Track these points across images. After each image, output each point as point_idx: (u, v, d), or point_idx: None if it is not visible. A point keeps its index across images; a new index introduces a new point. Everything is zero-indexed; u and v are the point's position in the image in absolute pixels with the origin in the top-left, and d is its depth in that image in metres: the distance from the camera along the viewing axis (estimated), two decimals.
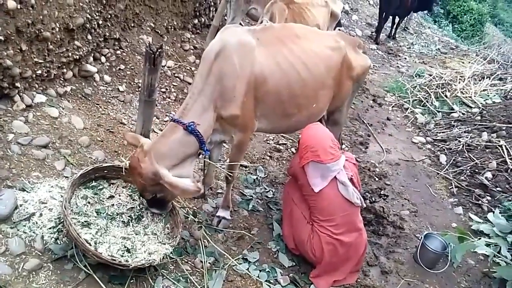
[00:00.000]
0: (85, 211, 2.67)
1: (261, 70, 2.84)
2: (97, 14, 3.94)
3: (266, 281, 2.97)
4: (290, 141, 4.93)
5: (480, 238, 3.55)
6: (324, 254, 3.05)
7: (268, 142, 4.79)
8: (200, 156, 2.84)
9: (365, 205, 3.24)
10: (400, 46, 10.42)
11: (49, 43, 3.35)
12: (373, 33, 10.04)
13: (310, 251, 3.10)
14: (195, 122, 2.63)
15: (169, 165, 2.56)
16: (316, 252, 3.08)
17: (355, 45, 3.50)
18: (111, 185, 2.96)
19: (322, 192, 3.00)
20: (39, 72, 3.35)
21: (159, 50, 3.29)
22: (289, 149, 4.78)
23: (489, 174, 4.83)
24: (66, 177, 2.93)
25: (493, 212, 4.19)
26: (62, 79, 3.71)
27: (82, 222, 2.58)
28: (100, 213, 2.72)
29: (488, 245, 3.71)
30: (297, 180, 3.16)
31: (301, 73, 3.02)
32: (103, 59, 4.30)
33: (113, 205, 2.81)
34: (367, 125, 5.91)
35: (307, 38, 3.19)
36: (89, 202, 2.75)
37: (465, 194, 4.68)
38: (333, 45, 3.27)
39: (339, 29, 5.86)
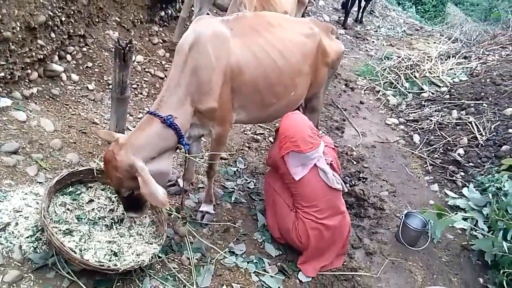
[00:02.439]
0: (65, 218, 2.57)
1: (236, 61, 2.80)
2: (59, 10, 3.77)
3: (254, 272, 2.96)
4: (268, 130, 4.92)
5: (457, 213, 3.67)
6: (310, 240, 3.07)
7: (245, 133, 4.76)
8: (179, 151, 2.78)
9: (346, 190, 3.27)
10: (367, 30, 10.55)
11: (11, 44, 3.18)
12: (341, 18, 10.11)
13: (296, 238, 3.11)
14: (173, 115, 2.56)
15: (145, 157, 2.47)
16: (302, 238, 3.09)
17: (328, 31, 3.50)
18: (89, 188, 2.86)
19: (303, 179, 3.01)
20: (2, 74, 3.18)
21: (128, 45, 3.18)
22: (267, 139, 4.76)
23: (461, 151, 4.98)
24: (40, 182, 2.81)
25: (468, 187, 4.33)
26: (27, 81, 3.55)
27: (64, 230, 2.49)
28: (81, 218, 2.63)
29: (465, 219, 3.85)
30: (277, 170, 3.15)
31: (277, 62, 2.99)
32: (68, 57, 4.13)
33: (93, 209, 2.72)
34: (342, 109, 5.97)
35: (281, 26, 3.16)
36: (68, 209, 2.65)
37: (440, 171, 4.82)
38: (307, 32, 3.25)
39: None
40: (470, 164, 4.76)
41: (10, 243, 2.35)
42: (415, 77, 7.07)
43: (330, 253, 3.19)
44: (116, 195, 2.81)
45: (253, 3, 4.72)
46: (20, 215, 2.50)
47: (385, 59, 8.22)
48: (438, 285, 3.29)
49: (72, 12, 4.03)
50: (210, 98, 2.74)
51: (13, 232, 2.40)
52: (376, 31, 10.72)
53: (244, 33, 2.91)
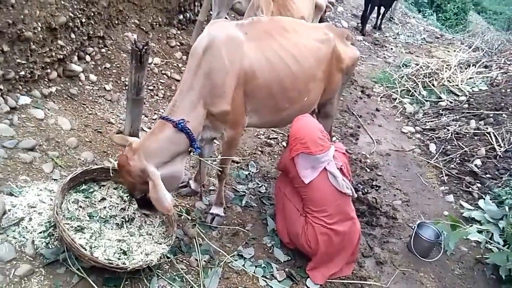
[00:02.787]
0: (78, 215, 2.62)
1: (250, 65, 2.81)
2: (79, 12, 3.85)
3: (262, 276, 2.95)
4: (281, 135, 4.92)
5: (472, 225, 3.57)
6: (319, 245, 3.05)
7: (259, 137, 4.77)
8: (192, 153, 2.80)
9: (356, 195, 3.24)
10: (386, 36, 10.45)
11: (32, 43, 3.27)
12: (359, 24, 10.05)
13: (305, 243, 3.10)
14: (185, 119, 2.58)
15: (158, 162, 2.51)
16: (311, 243, 3.07)
17: (344, 36, 3.48)
18: (102, 187, 2.91)
19: (313, 183, 3.00)
20: (23, 73, 3.27)
21: (145, 47, 3.23)
22: (280, 143, 4.76)
23: (478, 161, 4.88)
24: (54, 179, 2.87)
25: (484, 198, 4.24)
26: (47, 80, 3.63)
27: (76, 227, 2.53)
28: (93, 216, 2.67)
29: (480, 231, 3.75)
30: (287, 174, 3.15)
31: (291, 67, 3.00)
32: (88, 58, 4.22)
33: (105, 207, 2.76)
34: (357, 116, 5.92)
35: (295, 31, 3.16)
36: (80, 206, 2.70)
37: (456, 182, 4.73)
38: (322, 37, 3.25)
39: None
40: (487, 175, 4.66)
41: (23, 237, 2.40)
42: (433, 85, 6.97)
43: (339, 259, 3.16)
44: (128, 196, 2.85)
45: (270, 8, 4.74)
46: (34, 211, 2.55)
47: (403, 66, 8.12)
48: None
49: (92, 14, 4.12)
50: (223, 101, 2.76)
51: (26, 227, 2.45)
52: (395, 38, 10.61)
53: (258, 37, 2.93)
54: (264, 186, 3.94)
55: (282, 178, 3.34)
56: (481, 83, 6.98)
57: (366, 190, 4.24)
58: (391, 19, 11.78)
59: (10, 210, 2.47)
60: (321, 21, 6.28)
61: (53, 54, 3.59)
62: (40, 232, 2.46)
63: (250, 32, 2.90)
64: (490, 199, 4.20)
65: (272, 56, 2.93)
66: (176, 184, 2.74)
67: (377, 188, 4.38)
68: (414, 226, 3.68)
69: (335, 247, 3.09)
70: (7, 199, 2.51)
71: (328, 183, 3.01)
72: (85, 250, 2.38)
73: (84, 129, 3.52)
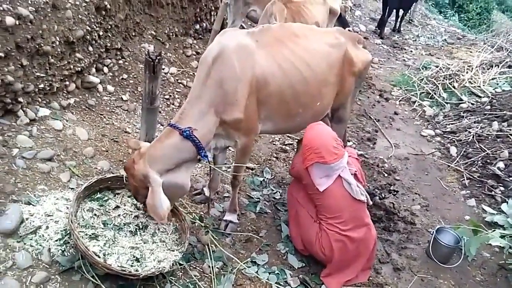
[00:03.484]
0: (92, 223, 2.67)
1: (262, 72, 2.82)
2: (97, 25, 3.97)
3: (276, 283, 2.94)
4: (296, 141, 4.90)
5: (494, 230, 3.46)
6: (333, 252, 3.01)
7: (274, 143, 4.77)
8: (204, 161, 2.82)
9: (371, 202, 3.19)
10: (406, 39, 10.30)
11: (50, 57, 3.38)
12: (377, 28, 9.95)
13: (320, 250, 3.07)
14: (192, 128, 2.60)
15: (161, 169, 2.52)
16: (325, 250, 3.04)
17: (355, 40, 3.46)
18: (116, 195, 2.96)
19: (328, 190, 2.97)
20: (42, 86, 3.38)
21: (158, 57, 3.29)
22: (295, 149, 4.73)
23: (501, 164, 4.73)
24: (71, 188, 2.95)
25: (507, 202, 4.10)
26: (65, 92, 3.75)
27: (90, 235, 2.58)
28: (107, 224, 2.72)
29: (503, 236, 3.61)
30: (301, 180, 3.14)
31: (303, 72, 3.00)
32: (105, 69, 4.34)
33: (119, 215, 2.80)
34: (374, 120, 5.85)
35: (306, 37, 3.16)
36: (95, 214, 2.74)
37: (478, 185, 4.59)
38: (333, 42, 3.24)
39: (348, 29, 5.79)
40: (511, 178, 4.50)
41: (40, 245, 2.47)
42: (454, 87, 6.80)
43: (355, 266, 3.12)
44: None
45: (283, 15, 4.77)
46: (51, 219, 2.63)
47: (422, 68, 7.98)
48: None
49: (109, 27, 4.24)
50: (235, 109, 2.78)
51: (43, 235, 2.52)
52: (415, 40, 10.45)
53: (269, 44, 2.94)
54: (279, 192, 3.93)
55: (295, 184, 3.32)
56: (504, 83, 6.77)
57: (383, 195, 4.17)
58: (410, 21, 11.63)
59: (28, 218, 2.55)
60: (343, 25, 6.24)
61: (71, 66, 3.71)
62: (56, 240, 2.53)
63: (261, 39, 2.92)
64: None
65: (283, 63, 2.94)
66: (180, 193, 2.74)
67: (395, 193, 4.30)
68: (433, 231, 3.58)
69: (350, 254, 3.05)
70: (25, 208, 2.60)
71: (343, 190, 2.99)
72: (99, 257, 2.42)
73: (101, 138, 3.61)
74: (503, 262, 3.55)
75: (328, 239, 3.02)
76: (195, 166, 2.85)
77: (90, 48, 3.98)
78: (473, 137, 5.35)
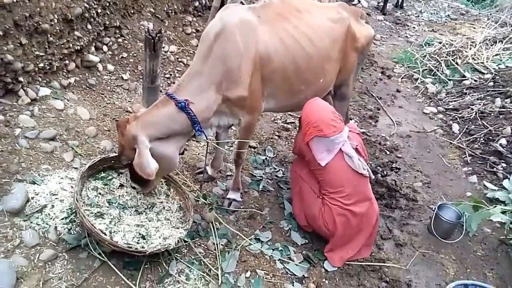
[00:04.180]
0: (97, 202, 2.68)
1: (265, 48, 2.79)
2: (95, 2, 3.91)
3: (279, 259, 2.98)
4: (298, 119, 4.88)
5: (495, 206, 3.49)
6: (336, 227, 3.04)
7: (276, 122, 4.76)
8: (200, 137, 2.79)
9: (373, 176, 3.20)
10: (408, 15, 10.13)
11: (49, 35, 3.34)
12: (380, 4, 9.78)
13: (323, 225, 3.09)
14: (189, 100, 2.60)
15: (152, 135, 2.54)
16: (328, 225, 3.06)
17: (358, 15, 3.40)
18: (120, 174, 2.96)
19: (329, 165, 2.98)
20: (41, 65, 3.35)
21: (158, 35, 3.26)
22: (297, 128, 4.72)
23: (503, 141, 4.73)
24: (75, 168, 2.95)
25: (509, 178, 4.12)
26: (65, 71, 3.71)
27: (95, 213, 2.60)
28: (112, 203, 2.74)
29: (504, 212, 3.64)
30: (303, 157, 3.14)
31: (306, 48, 2.96)
32: (105, 48, 4.29)
33: (123, 194, 2.82)
34: (376, 98, 5.81)
35: (308, 12, 3.11)
36: (100, 193, 2.76)
37: (479, 162, 4.60)
38: (335, 16, 3.19)
39: (353, 4, 5.69)
40: None
41: (46, 224, 2.49)
42: (456, 63, 6.74)
43: (357, 241, 3.15)
44: None
45: None
46: (56, 198, 2.64)
47: (425, 45, 7.88)
48: (471, 279, 3.17)
49: (107, 4, 4.17)
50: (239, 87, 2.75)
51: (49, 214, 2.54)
52: (418, 16, 10.28)
53: (271, 20, 2.90)
54: (281, 170, 3.95)
55: (298, 161, 3.33)
56: (507, 59, 6.70)
57: (385, 173, 4.19)
58: None
59: (33, 198, 2.57)
60: None
61: (71, 45, 3.66)
62: (62, 219, 2.55)
63: (263, 15, 2.88)
64: None
65: (286, 38, 2.90)
66: (166, 164, 2.68)
67: (397, 170, 4.32)
68: (435, 208, 3.61)
69: (352, 229, 3.08)
70: (30, 188, 2.61)
71: (344, 164, 2.99)
72: (105, 235, 2.45)
73: (102, 118, 3.59)
74: (504, 237, 3.59)
75: (331, 213, 3.04)
76: (186, 141, 2.83)
77: (89, 26, 3.92)
78: (475, 114, 5.33)
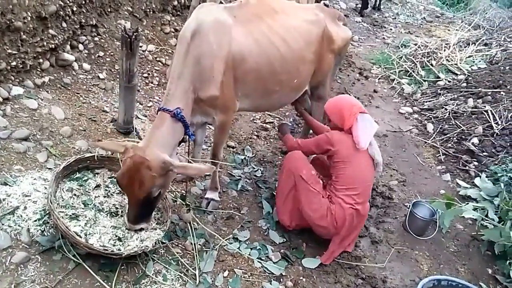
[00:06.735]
0: (72, 203, 2.65)
1: (239, 49, 2.80)
2: (70, 0, 3.83)
3: (257, 258, 2.99)
4: (277, 119, 4.92)
5: (467, 203, 3.60)
6: (345, 225, 3.03)
7: (254, 121, 4.77)
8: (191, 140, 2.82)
9: (381, 169, 3.26)
10: (385, 17, 10.32)
11: (22, 33, 3.26)
12: (358, 6, 9.92)
13: (331, 224, 3.02)
14: (180, 108, 2.60)
15: (168, 153, 2.54)
16: (338, 223, 3.02)
17: (335, 17, 3.45)
18: (96, 175, 2.93)
19: (356, 159, 2.99)
20: (14, 63, 3.27)
21: (135, 34, 3.23)
22: (276, 128, 4.75)
23: (475, 140, 4.87)
24: (49, 168, 2.90)
25: (480, 176, 4.24)
26: (39, 70, 3.63)
27: (70, 215, 2.56)
28: (87, 204, 2.70)
29: (475, 209, 3.76)
30: (326, 151, 3.07)
31: (280, 49, 2.98)
32: (80, 46, 4.21)
33: (99, 196, 2.79)
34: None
35: (285, 13, 3.14)
36: (75, 194, 2.72)
37: (453, 160, 4.73)
38: (312, 18, 3.22)
39: (324, 3, 5.76)
40: (484, 153, 4.66)
41: (19, 226, 2.44)
42: (431, 65, 6.90)
43: (349, 239, 3.18)
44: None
45: None
46: (29, 199, 2.59)
47: (402, 46, 8.04)
48: (444, 274, 3.25)
49: (83, 2, 4.09)
50: (211, 86, 2.75)
51: (21, 216, 2.49)
52: (395, 18, 10.47)
53: (247, 20, 2.91)
54: (260, 170, 3.96)
55: (294, 162, 3.17)
56: (480, 61, 6.91)
57: None
58: None
59: (5, 199, 2.51)
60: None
61: (45, 43, 3.58)
62: (35, 220, 2.50)
63: (239, 15, 2.89)
64: (486, 177, 4.20)
65: (261, 39, 2.91)
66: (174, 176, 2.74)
67: None
68: (409, 205, 3.69)
69: (352, 228, 3.11)
70: (1, 189, 2.55)
71: (368, 162, 3.06)
72: (80, 237, 2.41)
73: (78, 118, 3.53)
74: (475, 233, 3.70)
75: (343, 212, 2.99)
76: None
77: (64, 24, 3.84)
78: (449, 114, 5.47)
